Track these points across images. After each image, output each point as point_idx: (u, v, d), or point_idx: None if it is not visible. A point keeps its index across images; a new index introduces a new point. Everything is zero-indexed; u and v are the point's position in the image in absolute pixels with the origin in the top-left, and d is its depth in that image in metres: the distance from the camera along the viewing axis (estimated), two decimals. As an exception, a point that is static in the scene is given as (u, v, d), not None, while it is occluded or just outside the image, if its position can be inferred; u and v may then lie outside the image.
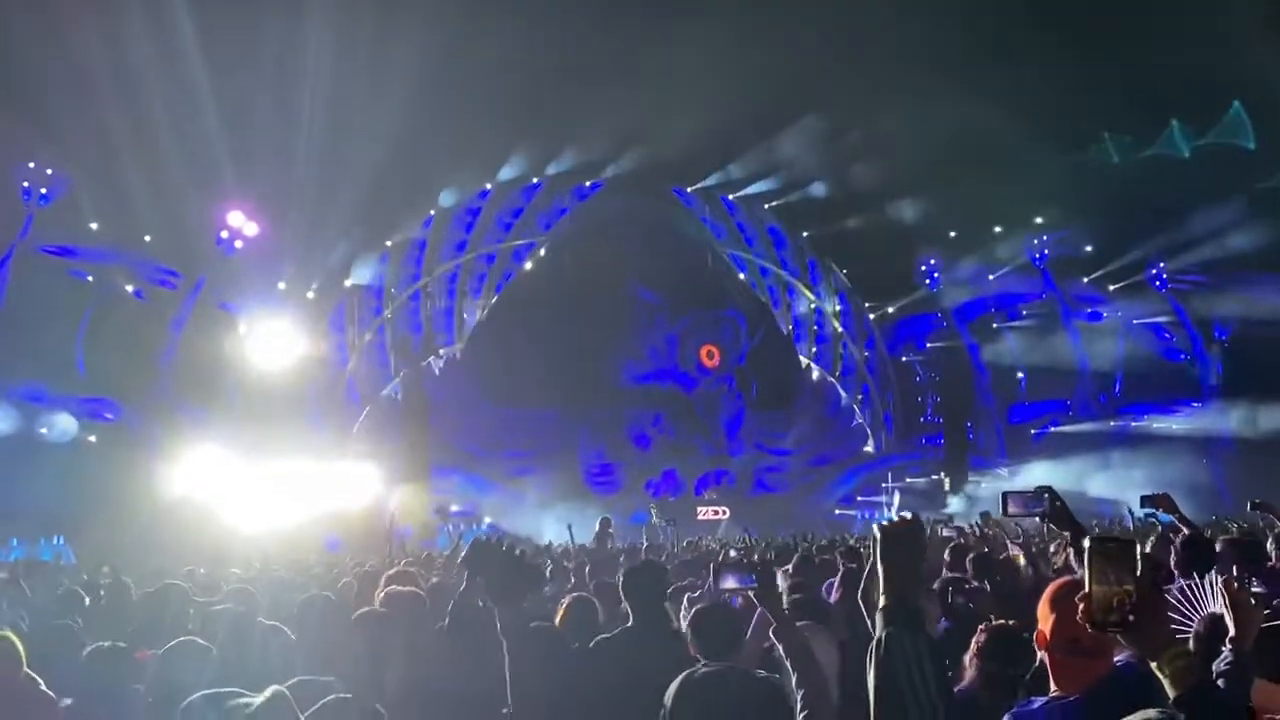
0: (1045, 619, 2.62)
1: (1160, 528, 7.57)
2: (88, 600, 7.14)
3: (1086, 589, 1.95)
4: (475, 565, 2.55)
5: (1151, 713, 1.78)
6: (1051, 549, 8.05)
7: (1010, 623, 4.01)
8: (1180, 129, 28.53)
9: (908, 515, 2.61)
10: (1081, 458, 28.91)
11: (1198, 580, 3.81)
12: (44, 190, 23.93)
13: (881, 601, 2.38)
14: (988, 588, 6.22)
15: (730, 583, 3.35)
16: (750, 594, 3.38)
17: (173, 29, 20.68)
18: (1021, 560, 7.24)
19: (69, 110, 21.22)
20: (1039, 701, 2.62)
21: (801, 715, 2.93)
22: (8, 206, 23.36)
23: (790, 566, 6.74)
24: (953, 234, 32.42)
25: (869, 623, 2.53)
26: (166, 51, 21.03)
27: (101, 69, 20.58)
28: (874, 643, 2.32)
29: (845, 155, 30.31)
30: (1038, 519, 3.71)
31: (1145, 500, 6.71)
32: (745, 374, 36.79)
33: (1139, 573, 1.93)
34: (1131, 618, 1.91)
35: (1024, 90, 24.39)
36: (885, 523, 2.54)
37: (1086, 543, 2.00)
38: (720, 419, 36.28)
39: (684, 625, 3.81)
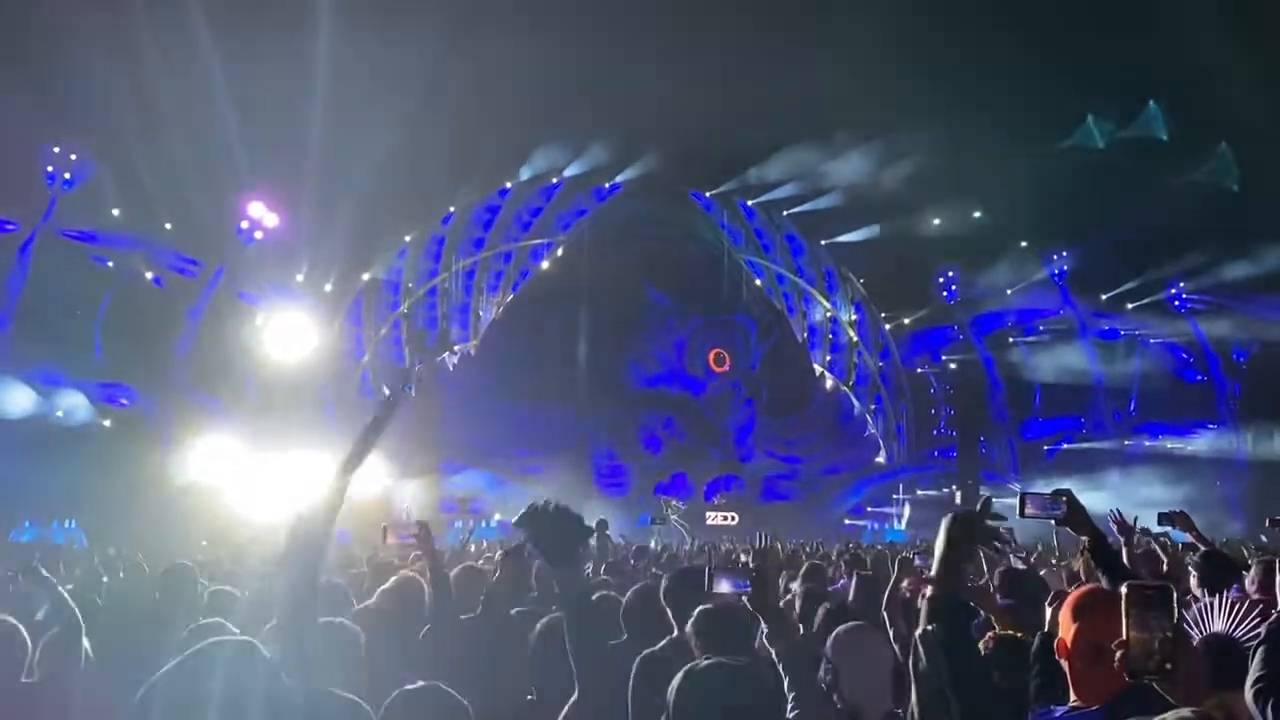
0: (1067, 628, 2.59)
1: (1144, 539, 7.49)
2: (105, 579, 7.19)
3: (1124, 636, 1.92)
4: (527, 525, 2.57)
5: (1185, 712, 1.77)
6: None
7: None
8: (1156, 110, 27.86)
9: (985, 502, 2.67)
10: (1096, 476, 28.75)
11: (1219, 596, 3.78)
12: (68, 175, 24.11)
13: (930, 591, 2.39)
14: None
15: (725, 586, 3.35)
16: (744, 598, 3.39)
17: (197, 21, 20.81)
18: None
19: (94, 98, 21.34)
20: (1060, 710, 2.59)
21: (792, 715, 2.95)
22: (32, 190, 23.52)
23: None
24: (971, 247, 32.29)
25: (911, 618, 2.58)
26: (191, 43, 21.15)
27: (127, 59, 20.71)
28: (917, 635, 2.33)
29: (865, 164, 30.25)
30: (1053, 522, 3.68)
31: (1162, 518, 6.67)
32: (756, 380, 36.76)
33: (1176, 619, 1.91)
34: (1169, 665, 1.89)
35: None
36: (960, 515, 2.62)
37: (1124, 589, 1.97)
38: (731, 424, 36.26)
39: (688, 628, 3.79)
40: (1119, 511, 5.65)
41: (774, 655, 3.16)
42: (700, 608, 3.68)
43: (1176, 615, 1.91)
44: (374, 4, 21.74)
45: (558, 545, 2.59)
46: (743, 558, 11.42)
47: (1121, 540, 5.44)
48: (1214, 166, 27.45)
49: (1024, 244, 31.99)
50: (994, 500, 2.81)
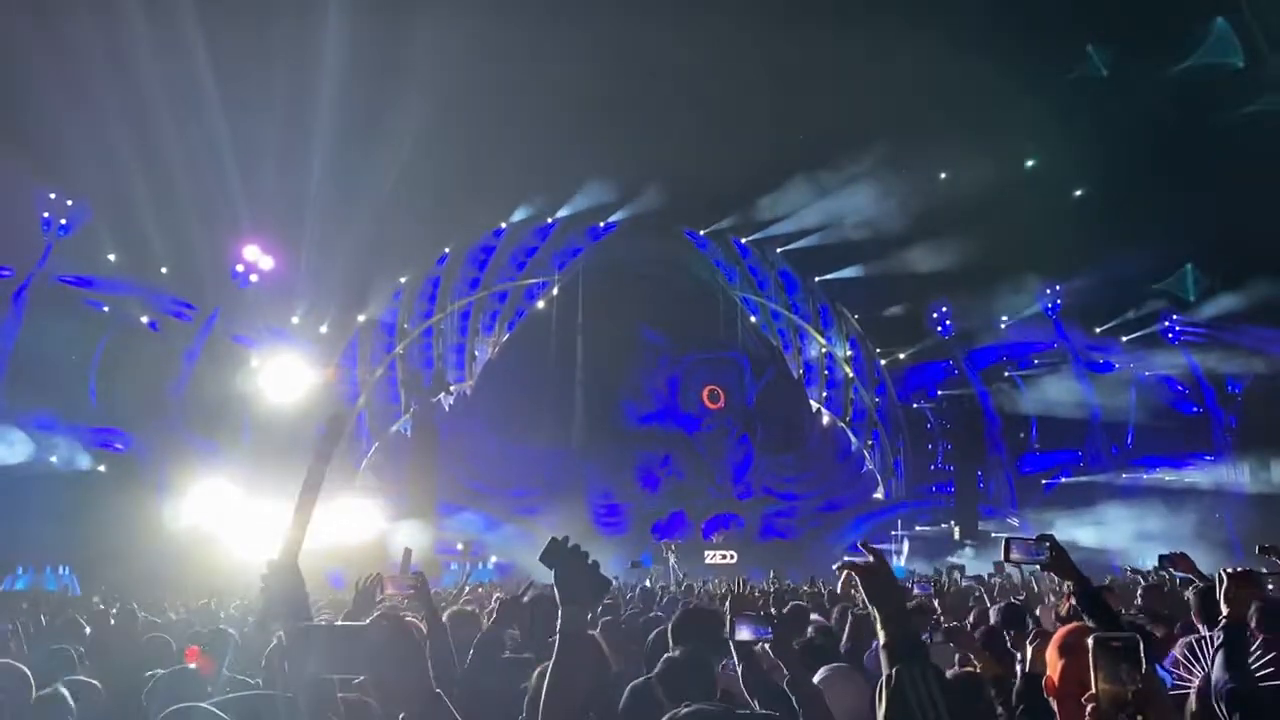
0: (1054, 665, 2.58)
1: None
2: (88, 629, 7.11)
3: (1094, 689, 1.93)
4: (550, 560, 2.55)
5: None
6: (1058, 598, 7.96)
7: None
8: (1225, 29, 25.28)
9: (868, 557, 2.62)
10: (1094, 509, 28.68)
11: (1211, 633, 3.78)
12: (64, 221, 24.20)
13: (883, 639, 2.38)
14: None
15: (746, 634, 3.32)
16: (765, 645, 3.36)
17: (194, 69, 21.04)
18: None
19: (90, 145, 21.49)
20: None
21: None
22: (27, 236, 23.60)
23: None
24: (965, 282, 32.39)
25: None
26: (187, 90, 21.38)
27: (123, 106, 20.90)
28: (883, 679, 2.31)
29: (859, 201, 30.47)
30: (1039, 567, 3.71)
31: (1163, 560, 6.67)
32: (751, 417, 36.71)
33: (1145, 669, 1.91)
34: (1140, 717, 1.89)
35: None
36: (853, 563, 2.55)
37: (1090, 641, 1.98)
38: (728, 462, 36.16)
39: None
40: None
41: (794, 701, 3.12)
42: (665, 656, 3.64)
43: (1145, 665, 1.91)
44: (368, 47, 21.95)
45: (580, 587, 2.57)
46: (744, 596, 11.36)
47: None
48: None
49: (1020, 276, 32.03)
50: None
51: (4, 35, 19.41)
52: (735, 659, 3.64)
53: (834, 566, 2.61)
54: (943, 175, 30.02)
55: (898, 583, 2.53)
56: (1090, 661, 1.94)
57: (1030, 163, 29.34)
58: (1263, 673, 3.45)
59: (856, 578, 2.51)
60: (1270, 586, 6.90)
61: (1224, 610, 3.43)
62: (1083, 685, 2.44)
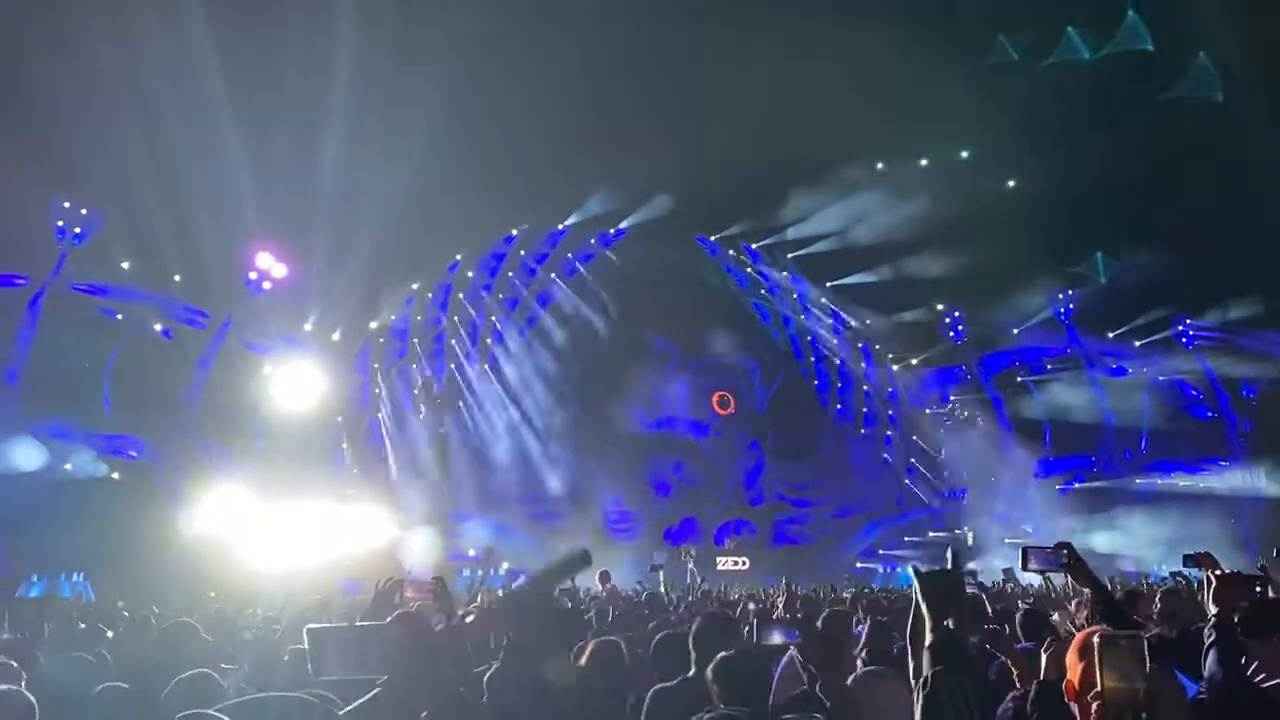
0: (1074, 668, 2.58)
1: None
2: (110, 634, 7.12)
3: (1100, 688, 1.93)
4: (512, 620, 2.53)
5: None
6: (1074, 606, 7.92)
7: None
8: (1078, 34, 27.68)
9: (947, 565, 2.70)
10: (1108, 515, 28.55)
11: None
12: (78, 229, 24.34)
13: (929, 639, 2.40)
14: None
15: (775, 638, 3.34)
16: (793, 649, 3.38)
17: (206, 77, 21.15)
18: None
19: (103, 153, 21.61)
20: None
21: None
22: (42, 245, 23.73)
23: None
24: (977, 287, 32.30)
25: (914, 663, 2.59)
26: (199, 98, 21.48)
27: (136, 114, 21.01)
28: (921, 680, 2.34)
29: (870, 206, 30.44)
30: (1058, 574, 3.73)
31: (1188, 559, 6.68)
32: (763, 423, 36.68)
33: (1150, 669, 1.91)
34: (1144, 715, 1.89)
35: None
36: (923, 570, 2.64)
37: (1096, 640, 1.98)
38: (740, 468, 36.13)
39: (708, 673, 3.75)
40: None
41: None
42: (721, 655, 3.64)
43: (1149, 665, 1.91)
44: (379, 55, 22.04)
45: (550, 639, 2.57)
46: (750, 606, 11.35)
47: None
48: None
49: (1030, 280, 31.94)
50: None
51: (17, 45, 19.55)
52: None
53: (909, 568, 2.71)
54: (965, 154, 29.92)
55: (963, 595, 2.59)
56: (1096, 660, 1.94)
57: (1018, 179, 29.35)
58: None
59: (916, 581, 2.58)
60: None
61: (1212, 610, 3.49)
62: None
